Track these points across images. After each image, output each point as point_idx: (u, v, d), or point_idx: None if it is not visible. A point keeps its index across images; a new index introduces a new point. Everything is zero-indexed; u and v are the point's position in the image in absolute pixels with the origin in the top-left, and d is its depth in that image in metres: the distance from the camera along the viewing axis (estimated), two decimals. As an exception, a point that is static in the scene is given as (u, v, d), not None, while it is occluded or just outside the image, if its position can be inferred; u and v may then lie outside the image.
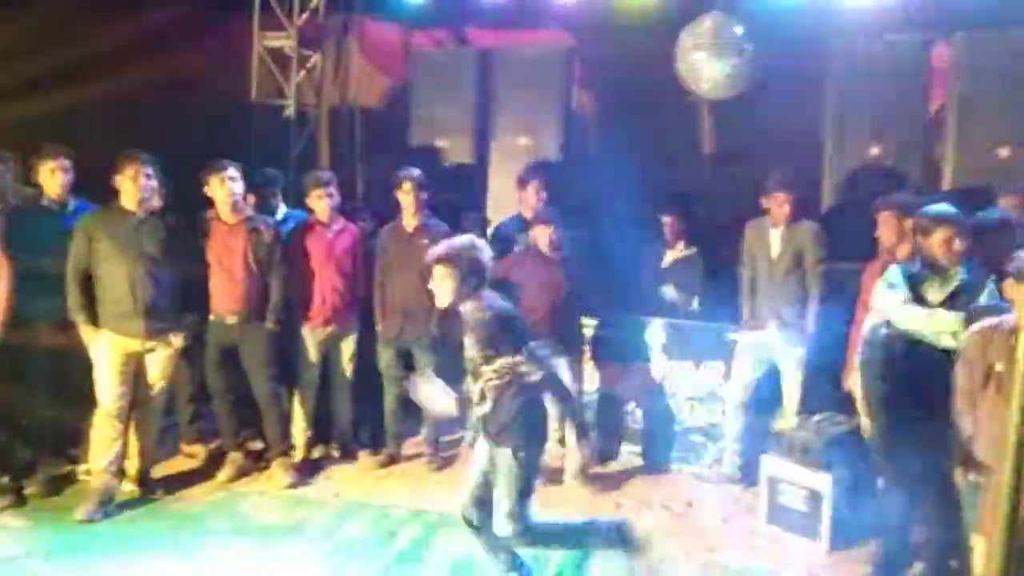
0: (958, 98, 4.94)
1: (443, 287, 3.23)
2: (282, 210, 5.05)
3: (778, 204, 4.51)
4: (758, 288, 4.62)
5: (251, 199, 4.85)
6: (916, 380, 3.38)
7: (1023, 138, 4.75)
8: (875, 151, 5.12)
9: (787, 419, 4.55)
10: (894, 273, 3.50)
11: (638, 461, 5.06)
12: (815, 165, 5.28)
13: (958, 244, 3.36)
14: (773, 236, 4.55)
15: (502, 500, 3.20)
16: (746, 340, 4.64)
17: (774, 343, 4.52)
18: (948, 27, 5.00)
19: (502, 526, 3.20)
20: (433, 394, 3.34)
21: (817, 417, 4.26)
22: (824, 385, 4.45)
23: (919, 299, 3.39)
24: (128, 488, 4.38)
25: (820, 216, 4.98)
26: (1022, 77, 4.72)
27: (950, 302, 3.35)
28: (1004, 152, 4.78)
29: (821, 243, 4.44)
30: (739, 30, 5.12)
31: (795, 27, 5.36)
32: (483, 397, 3.19)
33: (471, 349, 3.20)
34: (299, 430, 4.84)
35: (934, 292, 3.40)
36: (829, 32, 5.28)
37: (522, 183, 5.22)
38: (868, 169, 5.14)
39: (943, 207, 3.46)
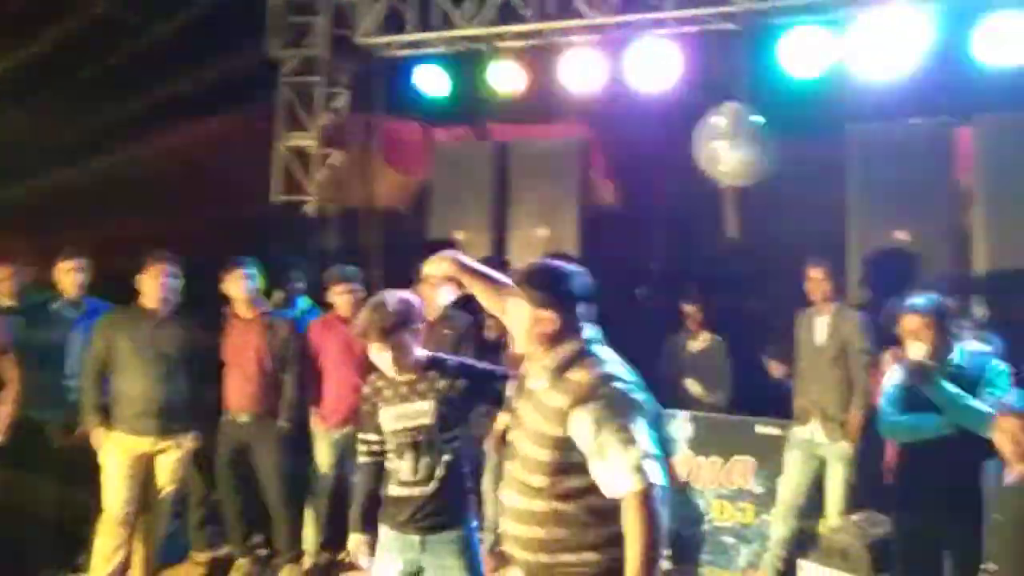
0: (984, 181, 4.84)
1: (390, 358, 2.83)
2: (305, 302, 4.99)
3: (815, 283, 4.38)
4: (803, 379, 4.44)
5: (278, 296, 4.84)
6: (935, 469, 3.21)
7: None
8: (901, 236, 4.99)
9: (828, 519, 4.28)
10: (888, 378, 3.45)
11: (666, 564, 4.78)
12: (839, 252, 5.16)
13: (927, 336, 3.24)
14: (819, 324, 4.40)
15: None
16: (794, 436, 4.43)
17: (818, 438, 4.31)
18: (971, 110, 4.94)
19: None
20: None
21: (856, 517, 4.00)
22: (865, 481, 4.21)
23: (917, 397, 3.26)
24: (131, 599, 4.22)
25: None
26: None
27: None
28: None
29: (866, 332, 4.27)
30: (757, 119, 5.13)
31: (814, 112, 5.34)
32: (430, 476, 2.82)
33: (423, 417, 2.81)
34: (311, 534, 4.66)
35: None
36: (848, 117, 5.25)
37: None
38: (894, 255, 5.00)
39: (920, 298, 3.36)
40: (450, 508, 2.86)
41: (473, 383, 2.90)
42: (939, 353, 3.26)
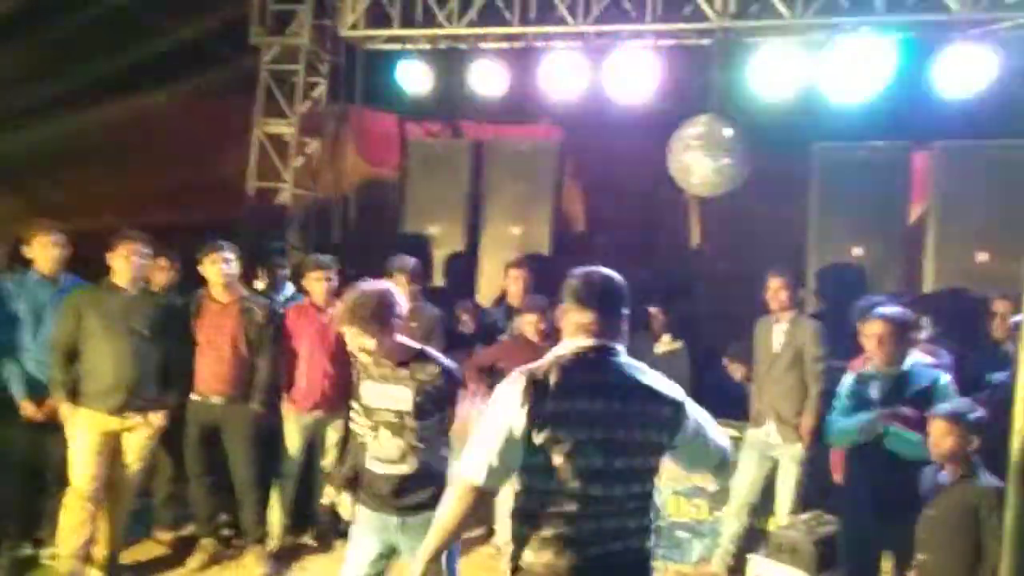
0: (937, 205, 5.10)
1: (365, 347, 2.92)
2: (290, 288, 5.02)
3: (773, 292, 4.58)
4: (760, 383, 4.64)
5: (261, 281, 4.88)
6: (877, 473, 3.45)
7: (999, 244, 4.88)
8: (857, 252, 5.24)
9: (778, 518, 4.48)
10: (843, 383, 3.67)
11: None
12: (799, 263, 5.39)
13: (889, 342, 3.49)
14: (776, 331, 4.60)
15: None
16: (750, 437, 4.62)
17: (773, 440, 4.51)
18: (927, 136, 5.22)
19: None
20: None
21: (805, 516, 4.21)
22: (814, 483, 4.42)
23: (865, 400, 3.51)
24: (95, 574, 4.21)
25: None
26: (997, 186, 4.90)
27: (893, 398, 3.44)
28: (983, 257, 4.91)
29: (821, 340, 4.49)
30: (729, 132, 5.33)
31: (782, 129, 5.58)
32: (404, 456, 2.92)
33: (400, 403, 2.91)
34: (276, 517, 4.70)
35: (877, 390, 3.52)
36: (814, 135, 5.49)
37: (505, 271, 5.31)
38: (849, 270, 5.25)
39: (887, 308, 3.61)
40: (428, 489, 2.94)
41: (450, 386, 2.97)
42: (894, 360, 3.51)
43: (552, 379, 2.26)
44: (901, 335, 3.54)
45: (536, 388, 2.25)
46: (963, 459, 3.10)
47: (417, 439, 2.92)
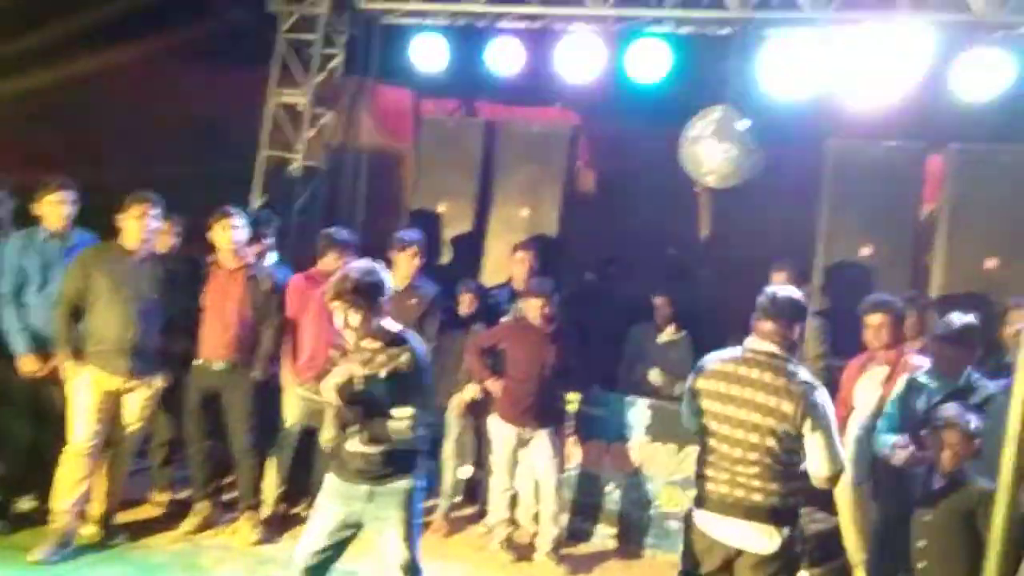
0: (949, 208, 5.06)
1: (350, 323, 2.94)
2: (272, 257, 5.00)
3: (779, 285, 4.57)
4: None
5: (259, 247, 4.86)
6: (903, 479, 3.40)
7: (1011, 250, 4.84)
8: (865, 251, 5.21)
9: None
10: (899, 384, 3.65)
11: (612, 544, 4.97)
12: (807, 259, 5.36)
13: (949, 351, 3.49)
14: None
15: (398, 548, 2.97)
16: None
17: None
18: (943, 138, 5.17)
19: None
20: None
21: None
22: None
23: (910, 412, 3.46)
24: (89, 531, 4.27)
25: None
26: (1011, 192, 4.86)
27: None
28: (991, 263, 4.87)
29: (822, 338, 4.46)
30: (744, 124, 5.29)
31: (797, 125, 5.53)
32: (376, 440, 2.92)
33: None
34: (271, 485, 4.74)
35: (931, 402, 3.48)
36: (829, 133, 5.45)
37: (512, 253, 5.29)
38: (857, 268, 5.22)
39: (956, 317, 3.56)
40: (397, 463, 2.98)
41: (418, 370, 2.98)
42: (956, 372, 3.52)
43: (710, 366, 3.00)
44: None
45: (699, 369, 3.04)
46: (958, 464, 3.10)
47: (391, 424, 2.90)
